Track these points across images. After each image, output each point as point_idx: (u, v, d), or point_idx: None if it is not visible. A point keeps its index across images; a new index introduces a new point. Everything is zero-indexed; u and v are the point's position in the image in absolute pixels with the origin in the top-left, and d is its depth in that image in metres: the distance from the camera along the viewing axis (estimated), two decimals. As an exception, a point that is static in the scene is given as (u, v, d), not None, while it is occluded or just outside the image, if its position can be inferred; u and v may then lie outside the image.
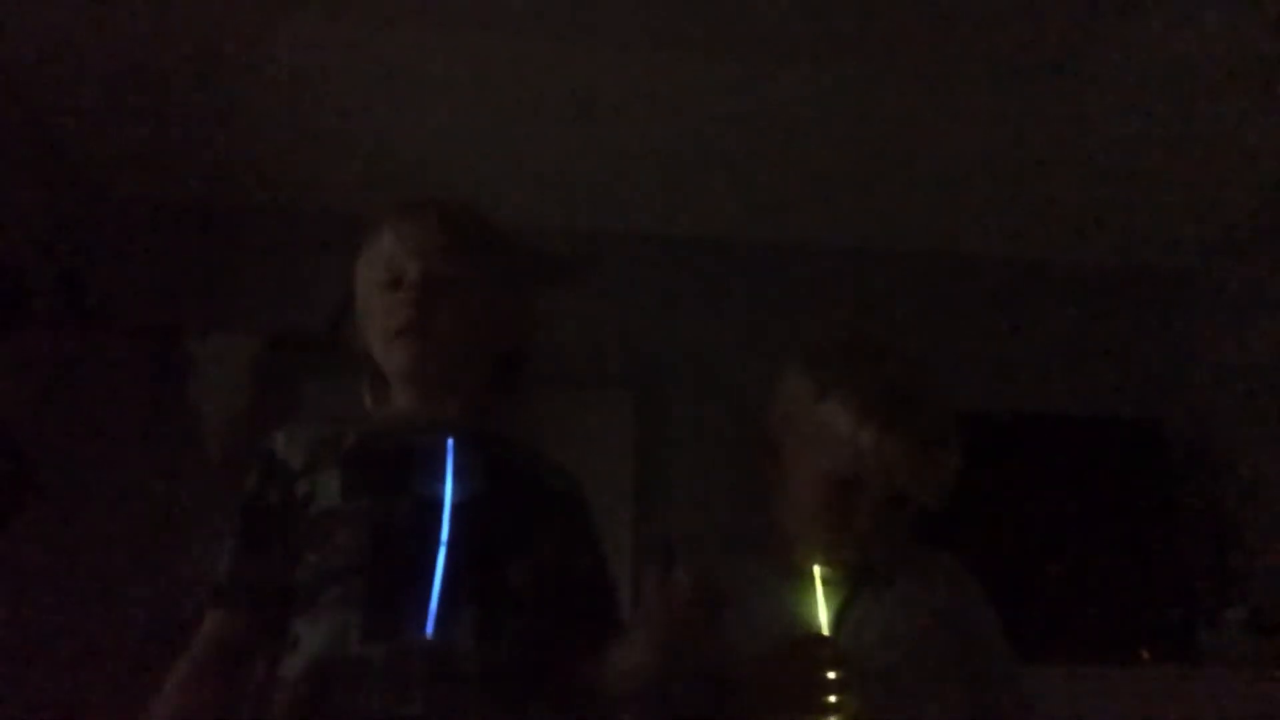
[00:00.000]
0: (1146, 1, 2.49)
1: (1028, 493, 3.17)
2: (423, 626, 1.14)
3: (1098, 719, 2.54)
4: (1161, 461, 3.30)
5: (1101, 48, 2.65)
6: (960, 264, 3.62)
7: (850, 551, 1.35)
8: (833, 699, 1.21)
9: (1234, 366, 3.39)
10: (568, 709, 1.25)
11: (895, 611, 1.34)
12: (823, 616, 1.32)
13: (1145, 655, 2.97)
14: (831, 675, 1.22)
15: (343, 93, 2.83)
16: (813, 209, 3.39)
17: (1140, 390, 3.52)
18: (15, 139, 2.87)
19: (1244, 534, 3.21)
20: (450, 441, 1.28)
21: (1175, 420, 3.42)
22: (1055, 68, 2.72)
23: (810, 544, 1.37)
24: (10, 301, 2.86)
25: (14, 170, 2.87)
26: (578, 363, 3.20)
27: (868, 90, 2.84)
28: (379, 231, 1.37)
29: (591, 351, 3.28)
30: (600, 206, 3.30)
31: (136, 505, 2.92)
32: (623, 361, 3.37)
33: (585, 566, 1.35)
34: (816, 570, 1.34)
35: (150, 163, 3.11)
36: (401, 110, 2.90)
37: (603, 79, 2.80)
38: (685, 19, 2.57)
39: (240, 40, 2.64)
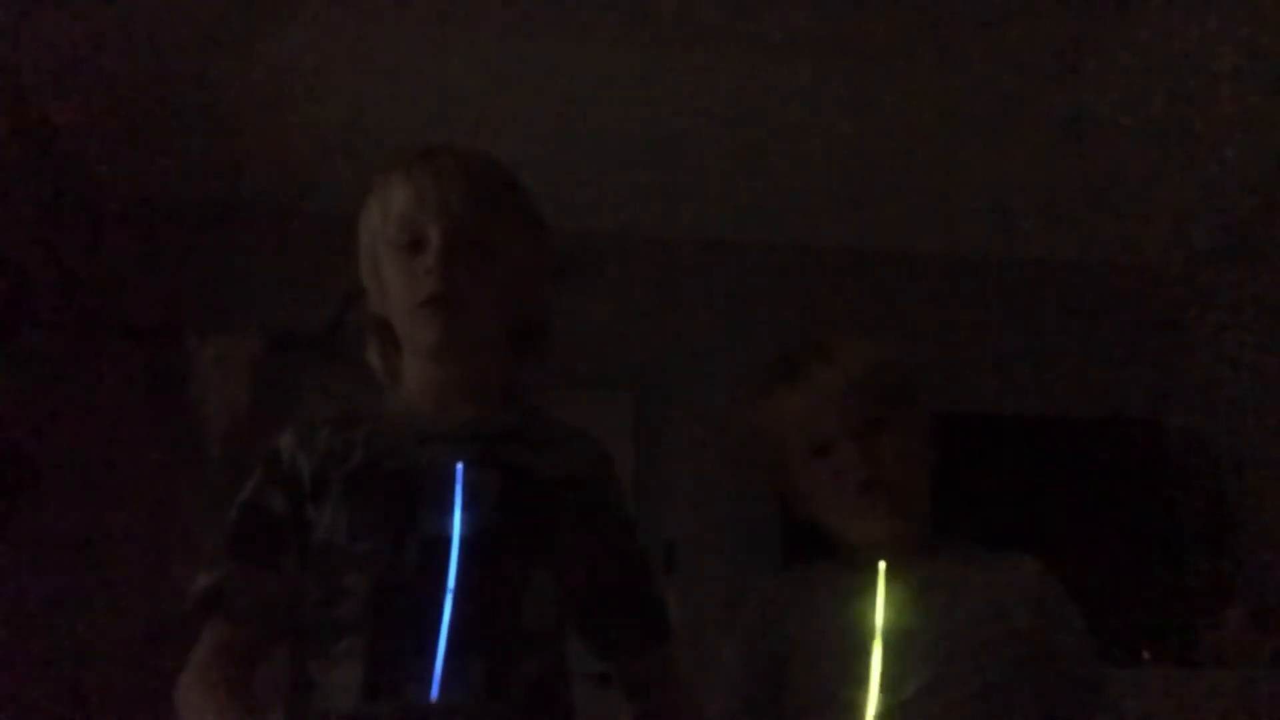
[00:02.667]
0: (1147, 1, 2.49)
1: (1027, 493, 3.17)
2: (428, 686, 1.07)
3: (1098, 719, 2.54)
4: (1161, 461, 3.30)
5: (1101, 48, 2.65)
6: (960, 264, 3.63)
7: (877, 503, 1.33)
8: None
9: (1234, 366, 3.39)
10: None
11: (967, 611, 1.30)
12: (880, 604, 1.29)
13: (1146, 655, 2.97)
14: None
15: (342, 92, 2.83)
16: (812, 209, 3.39)
17: (1140, 390, 3.52)
18: (15, 139, 2.87)
19: (1244, 534, 3.21)
20: (460, 467, 1.16)
21: (1175, 420, 3.42)
22: (1055, 68, 2.72)
23: (841, 521, 1.36)
24: (10, 301, 2.86)
25: (14, 170, 2.87)
26: (577, 363, 3.20)
27: (867, 90, 2.84)
28: (390, 184, 1.23)
29: (591, 351, 3.28)
30: (600, 206, 3.30)
31: (136, 505, 2.92)
32: (623, 361, 3.37)
33: (620, 571, 1.27)
34: (880, 566, 1.32)
35: (150, 163, 3.11)
36: (402, 110, 2.90)
37: (602, 79, 2.80)
38: (684, 19, 2.57)
39: (240, 40, 2.64)
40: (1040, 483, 3.20)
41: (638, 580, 1.30)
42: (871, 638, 1.27)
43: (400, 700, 1.07)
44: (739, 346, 3.40)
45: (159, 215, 3.25)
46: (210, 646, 1.15)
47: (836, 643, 1.29)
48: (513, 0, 2.53)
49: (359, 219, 1.28)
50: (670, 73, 2.78)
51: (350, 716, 1.07)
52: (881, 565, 1.31)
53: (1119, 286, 3.68)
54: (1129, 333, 3.63)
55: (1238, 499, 3.27)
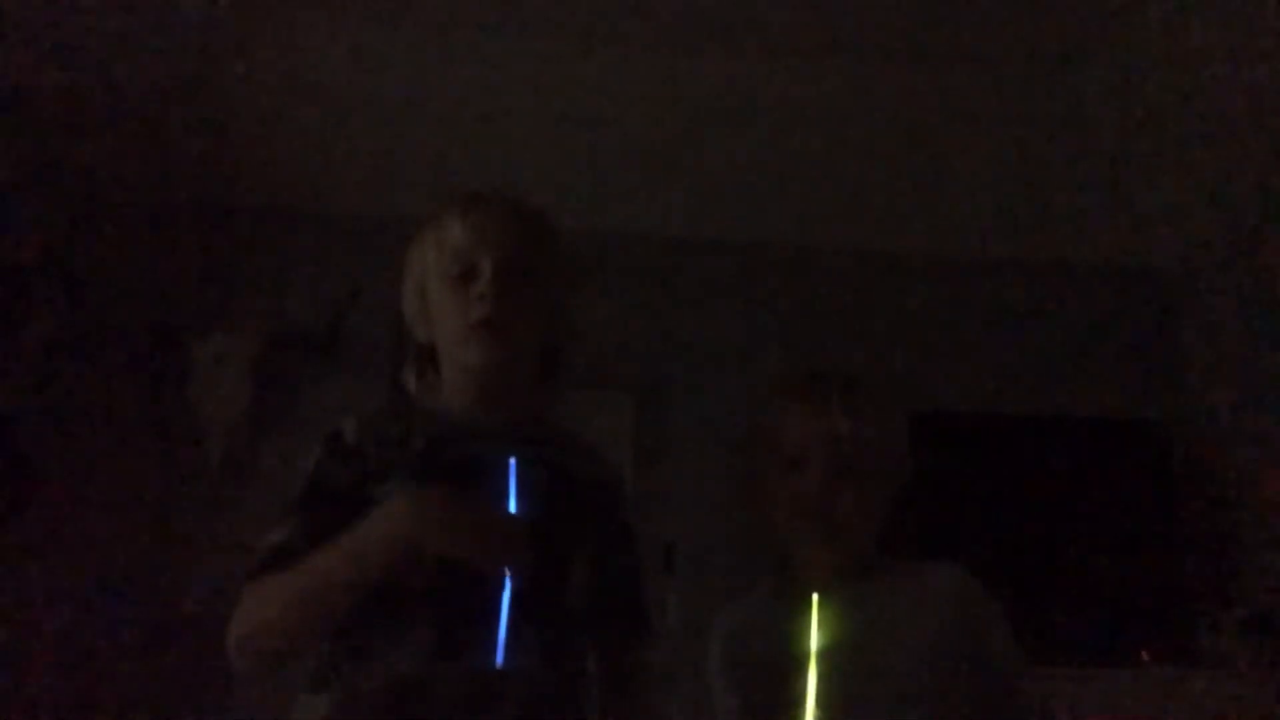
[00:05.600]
0: (1147, 1, 2.49)
1: (1028, 494, 3.17)
2: (493, 653, 1.19)
3: (1099, 719, 2.54)
4: (1162, 463, 3.30)
5: (1101, 47, 2.65)
6: (960, 265, 3.62)
7: (825, 534, 1.42)
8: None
9: (1234, 366, 3.38)
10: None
11: (889, 627, 1.38)
12: (814, 632, 1.38)
13: (1145, 656, 2.97)
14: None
15: (343, 93, 2.83)
16: (813, 209, 3.39)
17: (1140, 390, 3.52)
18: (15, 140, 2.87)
19: (1244, 535, 3.21)
20: (513, 461, 1.29)
21: (1175, 421, 3.42)
22: (1055, 67, 2.72)
23: (793, 539, 1.46)
24: (10, 301, 2.87)
25: (14, 170, 2.87)
26: (578, 363, 3.20)
27: (869, 90, 2.84)
28: (443, 223, 1.37)
29: (591, 352, 3.28)
30: (600, 207, 3.30)
31: (136, 505, 2.92)
32: (623, 362, 3.37)
33: (619, 568, 1.40)
34: (814, 597, 1.41)
35: (150, 163, 3.11)
36: (402, 111, 2.90)
37: (603, 79, 2.80)
38: (685, 19, 2.58)
39: (241, 41, 2.64)
40: (1040, 483, 3.20)
41: (631, 584, 1.42)
42: (807, 659, 1.37)
43: (470, 663, 1.18)
44: (739, 347, 3.41)
45: (159, 215, 3.26)
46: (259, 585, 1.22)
47: (776, 665, 1.38)
48: (513, 1, 2.53)
49: (408, 254, 1.41)
50: (670, 73, 2.78)
51: (421, 678, 1.16)
52: (815, 597, 1.41)
53: (1119, 286, 3.68)
54: (1129, 333, 3.63)
55: (1238, 499, 3.27)
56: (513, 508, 1.26)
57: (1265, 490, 3.18)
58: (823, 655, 1.36)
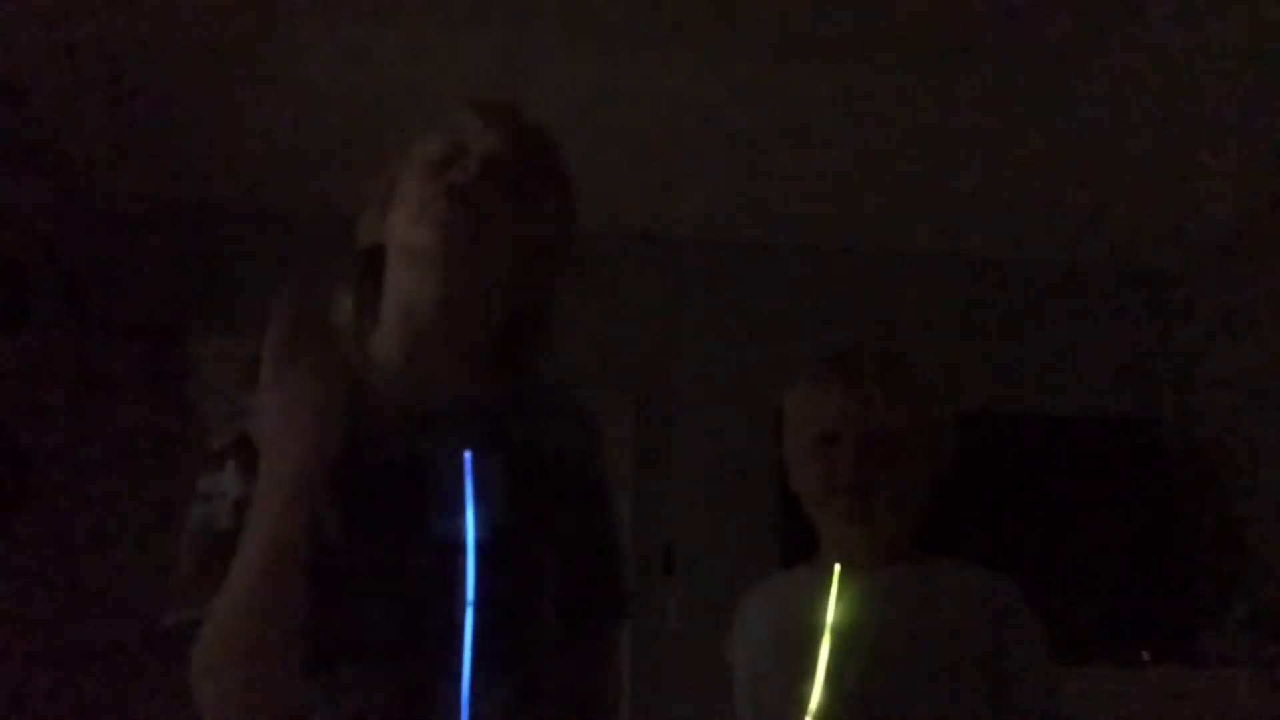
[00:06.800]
0: (1147, 1, 2.49)
1: (1028, 493, 3.17)
2: (456, 709, 0.98)
3: (1099, 719, 2.54)
4: (1161, 462, 3.30)
5: (1102, 47, 2.65)
6: (961, 264, 3.62)
7: (857, 512, 1.40)
8: None
9: (1234, 366, 3.38)
10: None
11: (912, 612, 1.37)
12: (831, 606, 1.36)
13: (1146, 656, 2.97)
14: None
15: (343, 93, 2.83)
16: (813, 209, 3.39)
17: (1140, 390, 3.52)
18: (15, 139, 2.87)
19: (1244, 534, 3.21)
20: (468, 456, 1.05)
21: (1175, 421, 3.42)
22: (1056, 67, 2.72)
23: (825, 518, 1.44)
24: (10, 301, 2.86)
25: (14, 170, 2.87)
26: (577, 363, 3.20)
27: (868, 90, 2.84)
28: (453, 121, 1.17)
29: (591, 352, 3.28)
30: (600, 207, 3.30)
31: (136, 506, 2.92)
32: (623, 362, 3.37)
33: (594, 549, 1.18)
34: (836, 567, 1.40)
35: (150, 163, 3.11)
36: (402, 110, 2.90)
37: (603, 79, 2.80)
38: (686, 19, 2.57)
39: (241, 40, 2.64)
40: (1040, 483, 3.20)
41: (607, 559, 1.20)
42: (820, 636, 1.35)
43: None
44: (739, 347, 3.41)
45: (159, 215, 3.25)
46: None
47: (792, 640, 1.37)
48: (513, 1, 2.52)
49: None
50: (670, 73, 2.78)
51: None
52: (837, 568, 1.39)
53: (1119, 286, 3.68)
54: (1129, 333, 3.63)
55: (1238, 499, 3.27)
56: (470, 522, 1.02)
57: (1265, 490, 3.18)
58: (838, 632, 1.35)
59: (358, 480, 1.01)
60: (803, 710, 1.32)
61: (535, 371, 1.20)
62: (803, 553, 1.51)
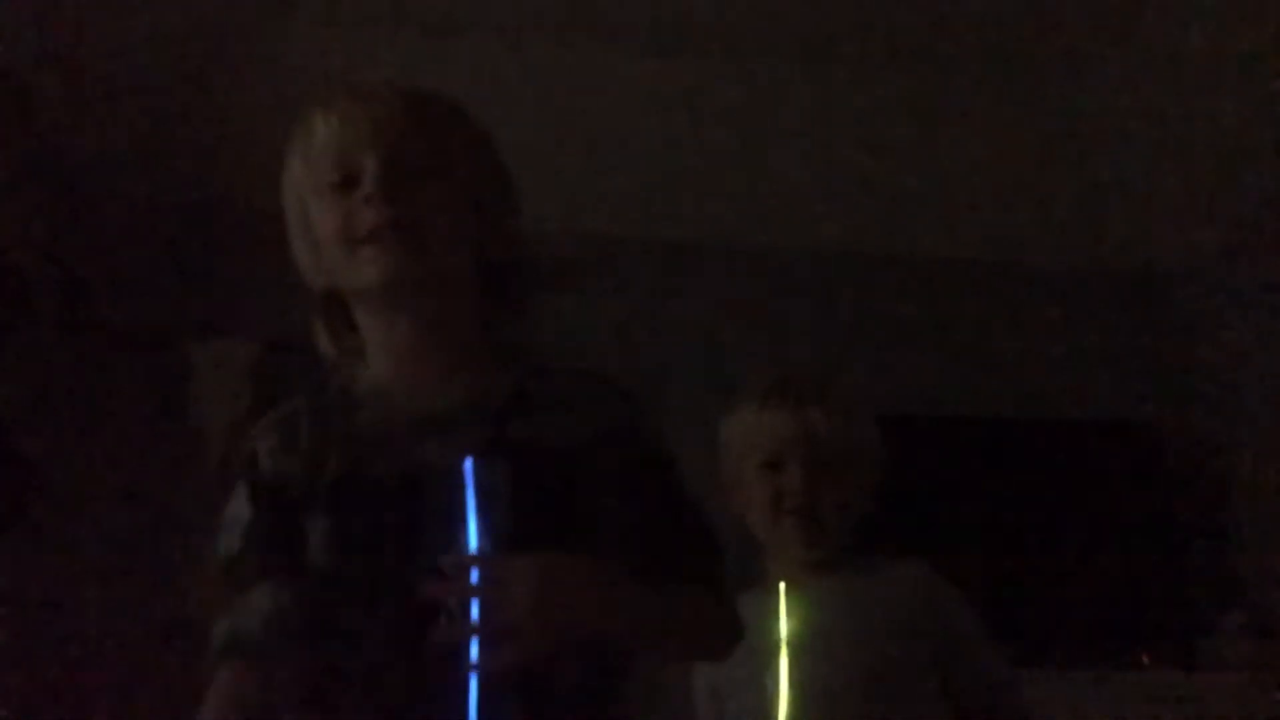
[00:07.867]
0: (1147, 1, 2.49)
1: (1026, 496, 3.17)
2: None
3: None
4: (1160, 464, 3.30)
5: (1102, 48, 2.65)
6: (960, 267, 3.62)
7: (806, 533, 1.45)
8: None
9: (1234, 367, 3.38)
10: None
11: (857, 619, 1.42)
12: (783, 628, 1.41)
13: (1144, 659, 2.96)
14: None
15: (342, 94, 2.83)
16: (812, 211, 3.39)
17: (1140, 391, 3.52)
18: (15, 139, 2.87)
19: (1243, 537, 3.21)
20: (469, 465, 0.98)
21: (1174, 422, 3.42)
22: (1055, 67, 2.72)
23: (770, 538, 1.50)
24: (11, 303, 2.86)
25: (14, 170, 2.87)
26: (577, 364, 3.20)
27: (868, 91, 2.84)
28: (310, 125, 1.08)
29: (590, 352, 3.28)
30: (599, 209, 3.30)
31: (137, 509, 2.92)
32: (622, 363, 3.37)
33: (670, 516, 1.10)
34: (781, 586, 1.45)
35: (150, 163, 3.11)
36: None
37: (603, 79, 2.80)
38: (686, 20, 2.58)
39: (241, 40, 2.64)
40: (1040, 484, 3.20)
41: (687, 516, 1.12)
42: (778, 650, 1.39)
43: None
44: (737, 349, 3.40)
45: (159, 216, 3.25)
46: (229, 697, 1.00)
47: (751, 660, 1.37)
48: (513, 2, 2.53)
49: (282, 180, 1.13)
50: (671, 74, 2.78)
51: None
52: (782, 586, 1.44)
53: (1119, 288, 3.68)
54: (1129, 333, 3.62)
55: (1238, 500, 3.27)
56: (472, 539, 0.96)
57: (1265, 492, 3.18)
58: (794, 646, 1.39)
59: (354, 503, 0.99)
60: None
61: (541, 366, 1.14)
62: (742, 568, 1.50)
